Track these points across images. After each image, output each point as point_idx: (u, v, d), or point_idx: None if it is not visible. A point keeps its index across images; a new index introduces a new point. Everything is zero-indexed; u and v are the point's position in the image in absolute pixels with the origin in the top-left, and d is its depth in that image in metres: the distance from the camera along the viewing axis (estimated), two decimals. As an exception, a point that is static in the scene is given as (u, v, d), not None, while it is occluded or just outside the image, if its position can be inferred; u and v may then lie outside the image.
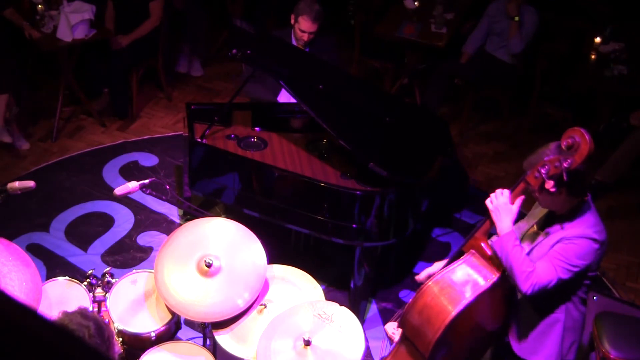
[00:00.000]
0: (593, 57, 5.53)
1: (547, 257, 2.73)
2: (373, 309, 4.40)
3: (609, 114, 5.52)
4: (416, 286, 4.51)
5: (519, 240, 2.77)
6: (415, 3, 5.90)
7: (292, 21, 4.58)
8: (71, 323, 2.35)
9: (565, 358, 2.96)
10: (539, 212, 2.93)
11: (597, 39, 5.54)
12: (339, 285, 4.41)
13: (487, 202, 2.81)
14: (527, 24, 5.57)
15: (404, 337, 3.04)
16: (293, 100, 4.53)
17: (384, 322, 4.29)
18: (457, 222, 5.04)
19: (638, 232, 5.10)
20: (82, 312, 2.44)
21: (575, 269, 2.71)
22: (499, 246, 2.77)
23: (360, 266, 4.08)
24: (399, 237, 4.06)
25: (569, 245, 2.71)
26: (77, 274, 4.15)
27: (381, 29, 5.87)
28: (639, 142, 5.19)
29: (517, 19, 5.54)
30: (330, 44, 4.75)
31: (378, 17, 6.15)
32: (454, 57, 5.92)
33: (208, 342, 3.39)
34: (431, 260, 4.67)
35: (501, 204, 2.76)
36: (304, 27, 4.51)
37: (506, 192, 2.77)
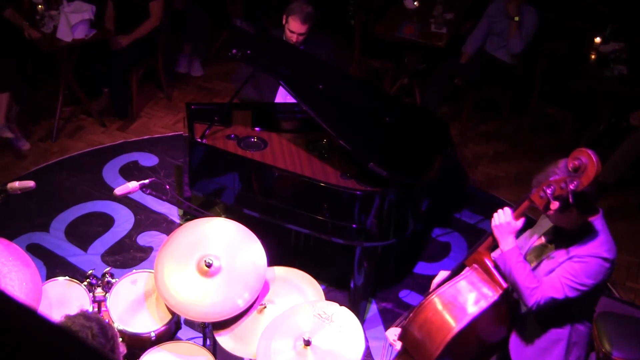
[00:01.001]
0: (593, 57, 5.52)
1: (555, 273, 2.69)
2: (373, 309, 4.40)
3: (609, 114, 5.51)
4: (416, 286, 4.53)
5: (522, 257, 2.73)
6: (415, 3, 5.90)
7: (284, 21, 4.58)
8: (74, 325, 2.36)
9: None
10: (546, 222, 2.88)
11: (597, 39, 5.54)
12: (339, 285, 4.41)
13: (492, 220, 2.78)
14: (527, 24, 5.57)
15: (404, 350, 3.02)
16: (291, 101, 4.54)
17: (384, 322, 4.29)
18: (457, 222, 5.04)
19: (638, 232, 5.10)
20: (84, 314, 2.46)
21: (584, 288, 2.66)
22: (502, 262, 2.75)
23: (360, 266, 4.08)
24: (399, 237, 4.05)
25: (579, 264, 2.66)
26: (77, 274, 4.15)
27: (381, 29, 5.87)
28: (639, 142, 5.19)
29: (517, 19, 5.54)
30: (326, 44, 4.73)
31: (378, 17, 6.15)
32: (454, 57, 5.92)
33: (208, 342, 3.39)
34: (431, 261, 4.71)
35: (504, 223, 2.74)
36: (293, 27, 4.50)
37: (508, 210, 2.75)
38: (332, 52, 4.81)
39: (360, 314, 4.18)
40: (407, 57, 6.10)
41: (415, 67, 6.09)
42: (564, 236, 2.75)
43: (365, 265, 4.08)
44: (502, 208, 2.79)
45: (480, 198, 5.26)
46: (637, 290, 4.68)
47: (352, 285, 4.17)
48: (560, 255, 2.73)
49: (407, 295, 4.48)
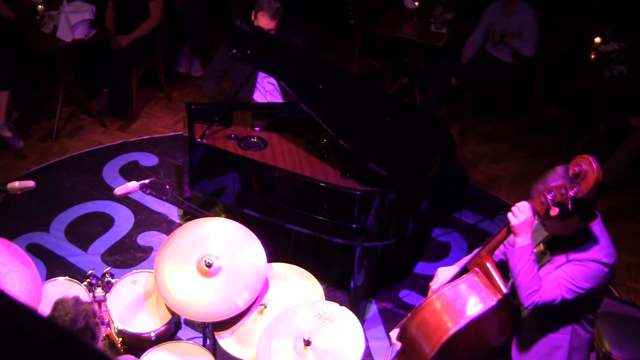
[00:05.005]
0: (593, 57, 5.52)
1: (554, 275, 2.69)
2: (373, 309, 4.40)
3: (609, 114, 5.51)
4: (416, 286, 4.53)
5: (533, 256, 2.71)
6: (415, 3, 5.90)
7: (252, 17, 4.53)
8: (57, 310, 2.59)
9: None
10: (542, 230, 2.86)
11: (597, 39, 5.54)
12: (339, 285, 4.41)
13: (510, 217, 2.72)
14: (527, 24, 5.53)
15: (402, 350, 3.03)
16: (272, 101, 4.51)
17: (384, 322, 4.30)
18: (457, 222, 5.04)
19: (638, 232, 5.10)
20: (65, 301, 2.66)
21: (581, 291, 2.66)
22: (512, 256, 2.72)
23: (360, 266, 4.08)
24: (399, 237, 4.05)
25: (578, 267, 2.66)
26: (77, 274, 4.15)
27: (381, 29, 5.87)
28: (639, 142, 5.19)
29: (505, 36, 5.54)
30: (296, 36, 4.64)
31: (378, 17, 6.15)
32: (454, 57, 5.92)
33: (208, 342, 3.39)
34: (431, 261, 4.71)
35: (529, 219, 2.69)
36: (262, 24, 4.45)
37: (527, 204, 2.70)
38: (304, 43, 4.74)
39: (360, 314, 4.18)
40: (407, 57, 6.10)
41: (416, 67, 6.08)
42: (562, 243, 2.74)
43: (365, 265, 4.08)
44: (518, 203, 2.73)
45: (480, 198, 5.26)
46: (637, 290, 4.68)
47: (352, 285, 4.17)
48: (559, 260, 2.72)
49: (407, 295, 4.47)
